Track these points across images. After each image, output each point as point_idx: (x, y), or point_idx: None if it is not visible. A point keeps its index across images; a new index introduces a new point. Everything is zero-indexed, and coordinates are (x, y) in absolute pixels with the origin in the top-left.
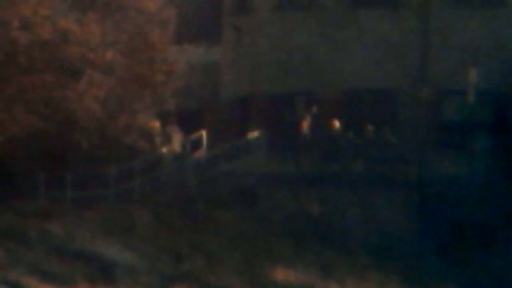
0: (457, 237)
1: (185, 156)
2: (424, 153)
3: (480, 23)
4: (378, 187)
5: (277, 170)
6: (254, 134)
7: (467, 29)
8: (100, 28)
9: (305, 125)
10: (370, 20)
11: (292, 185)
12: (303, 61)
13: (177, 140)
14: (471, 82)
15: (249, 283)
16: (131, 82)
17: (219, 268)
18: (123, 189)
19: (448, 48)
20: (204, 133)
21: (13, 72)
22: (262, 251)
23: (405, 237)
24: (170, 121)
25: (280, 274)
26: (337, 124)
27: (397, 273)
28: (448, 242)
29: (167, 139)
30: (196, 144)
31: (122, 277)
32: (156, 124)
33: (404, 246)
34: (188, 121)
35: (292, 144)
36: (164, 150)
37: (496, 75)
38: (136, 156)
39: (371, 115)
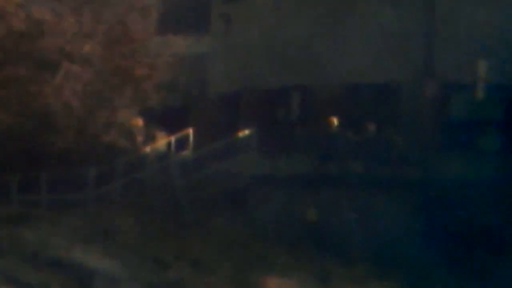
0: (465, 244)
1: (170, 156)
2: (428, 153)
3: (490, 10)
4: (379, 190)
5: (270, 171)
6: (245, 133)
7: (475, 18)
8: (77, 18)
9: None
10: (370, 9)
11: (287, 188)
12: (299, 54)
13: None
14: (480, 76)
15: None
16: (111, 76)
17: (208, 277)
18: (103, 192)
19: (455, 39)
20: (190, 131)
21: None
22: (254, 258)
23: (409, 244)
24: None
25: (274, 283)
26: (335, 121)
27: (399, 283)
28: (455, 250)
29: (151, 138)
30: (182, 144)
31: (102, 287)
32: (139, 121)
33: (407, 253)
34: (173, 119)
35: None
36: (147, 149)
37: (508, 68)
38: (117, 156)
39: (372, 112)
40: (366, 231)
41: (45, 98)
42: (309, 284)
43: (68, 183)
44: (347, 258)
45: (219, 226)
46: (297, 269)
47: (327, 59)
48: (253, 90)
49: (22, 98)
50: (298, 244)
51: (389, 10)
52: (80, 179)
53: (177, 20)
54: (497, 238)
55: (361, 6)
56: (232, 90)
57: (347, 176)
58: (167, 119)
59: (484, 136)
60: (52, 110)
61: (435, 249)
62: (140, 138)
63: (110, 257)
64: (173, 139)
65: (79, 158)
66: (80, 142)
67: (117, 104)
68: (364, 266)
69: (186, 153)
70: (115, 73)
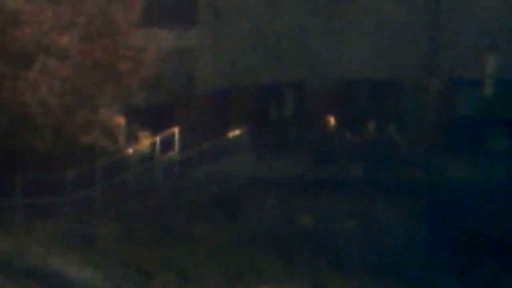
0: (472, 252)
1: (155, 158)
2: (433, 154)
3: (498, 4)
4: (380, 194)
5: (263, 174)
6: (236, 132)
7: (483, 10)
8: (55, 8)
9: None
10: (371, 0)
11: (281, 191)
12: (293, 47)
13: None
14: (488, 72)
15: None
16: (91, 71)
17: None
18: (82, 196)
19: (461, 32)
20: (176, 131)
21: None
22: (246, 268)
23: (412, 252)
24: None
25: None
26: (332, 120)
27: None
28: (461, 258)
29: (134, 138)
30: (168, 144)
31: None
32: (121, 120)
33: (410, 262)
34: (158, 117)
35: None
36: (130, 150)
37: None
38: (97, 157)
39: (372, 111)
40: (365, 237)
41: (21, 95)
42: None
43: (45, 187)
44: (344, 267)
45: (208, 233)
46: (292, 278)
47: (324, 53)
48: (244, 87)
49: None
50: (293, 251)
51: (391, 1)
52: (58, 183)
53: (163, 12)
54: (508, 245)
55: None
56: (221, 87)
57: (345, 178)
58: (151, 117)
59: (492, 135)
60: (28, 107)
61: (439, 257)
62: (122, 138)
63: (90, 266)
64: (158, 139)
65: (57, 159)
66: (58, 143)
67: (98, 101)
68: (363, 275)
69: (172, 154)
70: (96, 68)
